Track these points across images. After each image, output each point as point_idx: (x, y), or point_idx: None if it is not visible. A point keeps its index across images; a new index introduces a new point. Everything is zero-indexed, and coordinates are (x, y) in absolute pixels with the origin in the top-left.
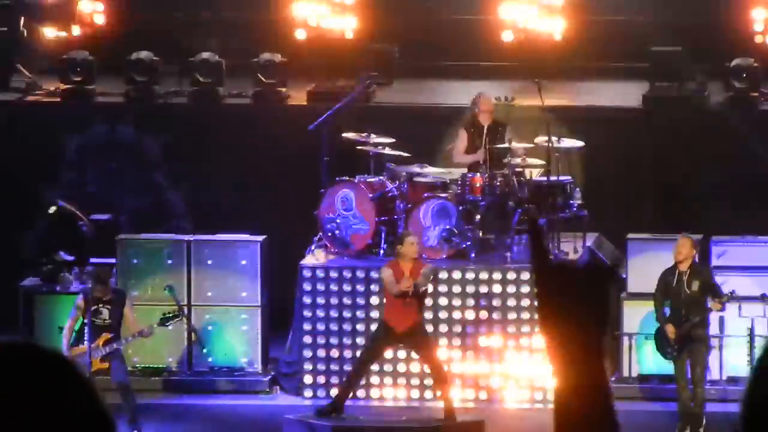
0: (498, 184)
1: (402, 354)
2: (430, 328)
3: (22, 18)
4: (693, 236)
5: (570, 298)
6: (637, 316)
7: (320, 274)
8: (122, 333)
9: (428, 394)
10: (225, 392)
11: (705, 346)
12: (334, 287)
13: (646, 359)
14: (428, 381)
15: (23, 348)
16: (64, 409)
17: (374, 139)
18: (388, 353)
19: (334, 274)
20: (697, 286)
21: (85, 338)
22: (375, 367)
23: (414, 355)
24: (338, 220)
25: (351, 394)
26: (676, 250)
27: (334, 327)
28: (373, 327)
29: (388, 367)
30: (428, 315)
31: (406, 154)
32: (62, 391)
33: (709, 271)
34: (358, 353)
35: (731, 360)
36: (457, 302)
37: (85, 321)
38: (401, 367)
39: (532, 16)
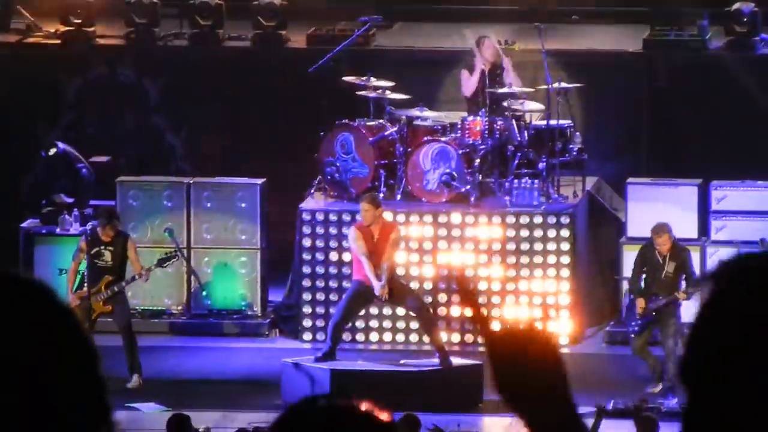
0: (497, 128)
1: None
2: (430, 272)
3: None
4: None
5: (523, 359)
6: None
7: (320, 217)
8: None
9: (426, 338)
10: (224, 335)
11: (675, 322)
12: (333, 230)
13: None
14: None
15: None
16: (44, 337)
17: (374, 82)
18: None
19: (333, 218)
20: (673, 267)
21: (86, 281)
22: (374, 311)
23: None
24: (338, 164)
25: (338, 346)
26: (659, 247)
27: (333, 270)
28: None
29: (386, 311)
30: (428, 258)
31: (406, 97)
32: (41, 320)
33: (688, 255)
34: (333, 310)
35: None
36: (456, 246)
37: (87, 264)
38: (400, 311)
39: None
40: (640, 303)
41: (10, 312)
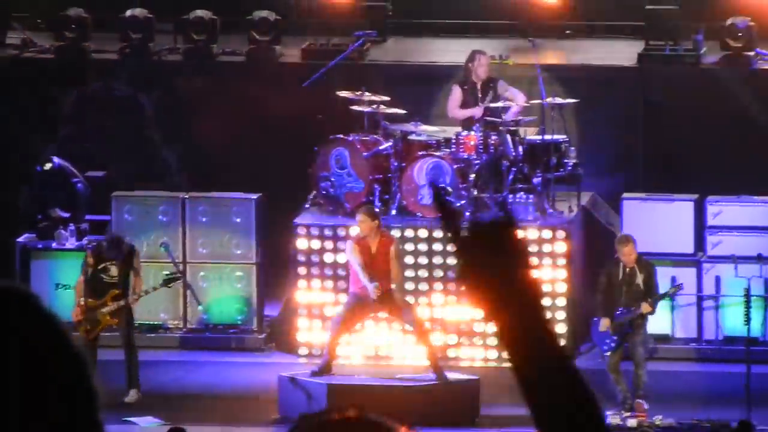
0: (492, 142)
1: None
2: (425, 286)
3: None
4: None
5: (488, 252)
6: None
7: (314, 232)
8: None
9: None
10: (220, 349)
11: (643, 333)
12: (328, 245)
13: None
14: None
15: None
16: (31, 349)
17: (368, 97)
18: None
19: (328, 232)
20: (641, 280)
21: (93, 294)
22: (371, 325)
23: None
24: (332, 179)
25: (335, 359)
26: (624, 257)
27: (328, 284)
28: None
29: (383, 325)
30: (423, 274)
31: (400, 112)
32: (28, 331)
33: (653, 268)
34: (331, 322)
35: (728, 320)
36: (451, 261)
37: (92, 277)
38: (396, 325)
39: None
40: (605, 322)
41: None
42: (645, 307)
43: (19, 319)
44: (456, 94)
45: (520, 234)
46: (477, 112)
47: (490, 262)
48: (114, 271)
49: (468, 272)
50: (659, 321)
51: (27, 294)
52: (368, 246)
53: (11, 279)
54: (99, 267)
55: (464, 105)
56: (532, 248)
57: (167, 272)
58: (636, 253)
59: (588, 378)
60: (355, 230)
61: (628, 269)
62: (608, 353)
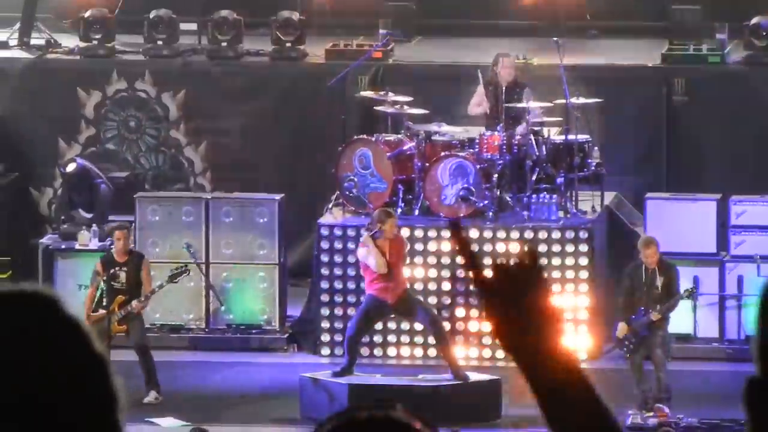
0: (515, 143)
1: None
2: (447, 286)
3: None
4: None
5: (513, 298)
6: None
7: (338, 232)
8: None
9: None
10: (243, 350)
11: (663, 334)
12: (351, 245)
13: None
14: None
15: (5, 289)
16: (50, 350)
17: (392, 97)
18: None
19: (351, 233)
20: (661, 282)
21: (105, 303)
22: (392, 325)
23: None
24: (356, 179)
25: (356, 361)
26: (647, 259)
27: (351, 285)
28: None
29: (404, 326)
30: (446, 273)
31: (424, 112)
32: (47, 332)
33: (676, 272)
34: (349, 324)
35: (750, 320)
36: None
37: (104, 287)
38: (418, 326)
39: None
40: (623, 327)
41: (16, 324)
42: (654, 316)
43: (43, 323)
44: (479, 93)
45: (545, 277)
46: (485, 108)
47: (516, 309)
48: (123, 277)
49: (493, 316)
50: (681, 321)
51: (51, 298)
52: (380, 248)
53: (34, 280)
54: (109, 273)
55: (484, 105)
56: (555, 248)
57: (173, 269)
58: (658, 255)
59: (611, 379)
60: (362, 252)
61: (649, 271)
62: (628, 355)
